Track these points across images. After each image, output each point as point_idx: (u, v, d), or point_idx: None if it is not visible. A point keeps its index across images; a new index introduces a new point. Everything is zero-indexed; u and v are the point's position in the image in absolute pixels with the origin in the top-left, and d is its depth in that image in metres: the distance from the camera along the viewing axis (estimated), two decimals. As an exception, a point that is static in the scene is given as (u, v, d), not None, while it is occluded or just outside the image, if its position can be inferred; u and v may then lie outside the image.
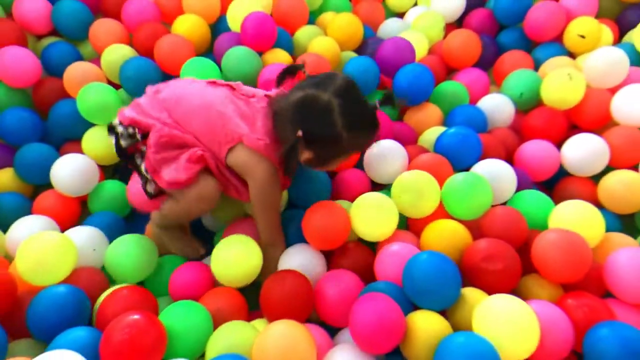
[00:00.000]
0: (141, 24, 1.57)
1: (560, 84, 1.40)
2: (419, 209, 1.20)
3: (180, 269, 1.17)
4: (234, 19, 1.57)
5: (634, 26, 1.58)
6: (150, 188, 1.21)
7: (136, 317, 0.94)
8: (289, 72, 1.22)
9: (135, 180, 1.33)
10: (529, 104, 1.48)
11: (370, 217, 1.16)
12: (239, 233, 1.20)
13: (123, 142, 1.19)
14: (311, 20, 1.71)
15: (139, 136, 1.18)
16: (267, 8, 1.60)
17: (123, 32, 1.58)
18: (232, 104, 1.17)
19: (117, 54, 1.51)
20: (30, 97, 1.53)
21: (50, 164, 1.34)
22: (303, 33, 1.61)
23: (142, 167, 1.19)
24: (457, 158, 1.30)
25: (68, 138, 1.48)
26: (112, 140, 1.21)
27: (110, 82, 1.51)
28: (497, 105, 1.46)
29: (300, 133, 1.09)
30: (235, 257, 1.12)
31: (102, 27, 1.57)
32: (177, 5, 1.64)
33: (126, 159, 1.22)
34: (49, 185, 1.35)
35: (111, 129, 1.21)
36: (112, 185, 1.37)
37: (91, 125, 1.44)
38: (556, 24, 1.59)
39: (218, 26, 1.65)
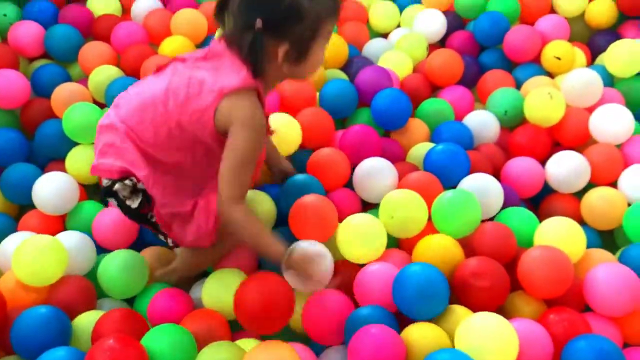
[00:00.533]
0: (129, 45, 1.60)
1: (542, 102, 1.44)
2: (407, 228, 1.21)
3: (159, 295, 1.17)
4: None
5: (603, 50, 1.64)
6: (169, 241, 1.15)
7: (116, 340, 0.95)
8: (222, 5, 1.06)
9: (105, 218, 1.28)
10: (513, 121, 1.52)
11: (358, 239, 1.16)
12: (232, 266, 1.20)
13: (132, 203, 1.07)
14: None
15: (141, 185, 1.06)
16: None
17: (111, 54, 1.62)
18: (193, 70, 1.06)
19: (104, 74, 1.53)
20: (17, 117, 1.54)
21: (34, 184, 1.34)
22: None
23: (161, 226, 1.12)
24: (446, 175, 1.31)
25: (53, 157, 1.48)
26: (114, 203, 1.08)
27: (97, 103, 1.52)
28: (483, 122, 1.49)
29: (258, 23, 0.99)
30: (226, 291, 1.12)
31: (91, 49, 1.61)
32: (165, 27, 1.67)
33: (141, 221, 1.12)
34: (33, 205, 1.35)
35: (107, 192, 1.07)
36: (91, 206, 1.36)
37: (76, 144, 1.45)
38: (533, 46, 1.65)
39: (205, 46, 1.68)
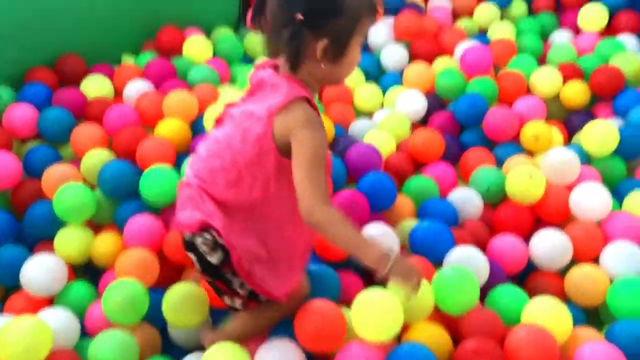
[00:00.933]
0: (122, 127, 1.63)
1: (522, 181, 1.48)
2: (415, 314, 1.19)
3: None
4: (210, 121, 1.64)
5: (578, 129, 1.70)
6: (237, 303, 1.14)
7: None
8: (258, 10, 1.08)
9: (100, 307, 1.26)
10: (495, 198, 1.55)
11: (374, 316, 1.11)
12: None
13: (212, 259, 1.07)
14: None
15: (221, 240, 1.07)
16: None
17: (103, 136, 1.64)
18: (243, 107, 1.10)
19: (96, 158, 1.54)
20: (7, 198, 1.56)
21: (22, 265, 1.33)
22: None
23: (236, 283, 1.11)
24: (431, 252, 1.34)
25: (42, 238, 1.48)
26: (193, 258, 1.11)
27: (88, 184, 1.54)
28: (467, 199, 1.52)
29: (299, 16, 1.00)
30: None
31: (83, 131, 1.63)
32: (157, 109, 1.70)
33: (216, 277, 1.11)
34: (20, 286, 1.34)
35: (188, 247, 1.10)
36: (80, 287, 1.36)
37: (65, 225, 1.45)
38: (511, 126, 1.71)
39: (196, 125, 1.71)
